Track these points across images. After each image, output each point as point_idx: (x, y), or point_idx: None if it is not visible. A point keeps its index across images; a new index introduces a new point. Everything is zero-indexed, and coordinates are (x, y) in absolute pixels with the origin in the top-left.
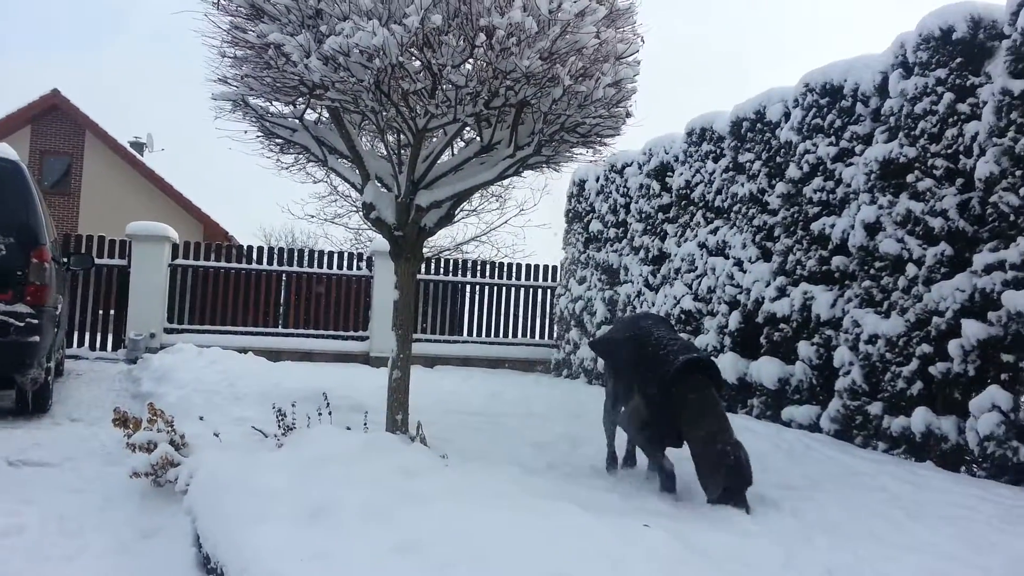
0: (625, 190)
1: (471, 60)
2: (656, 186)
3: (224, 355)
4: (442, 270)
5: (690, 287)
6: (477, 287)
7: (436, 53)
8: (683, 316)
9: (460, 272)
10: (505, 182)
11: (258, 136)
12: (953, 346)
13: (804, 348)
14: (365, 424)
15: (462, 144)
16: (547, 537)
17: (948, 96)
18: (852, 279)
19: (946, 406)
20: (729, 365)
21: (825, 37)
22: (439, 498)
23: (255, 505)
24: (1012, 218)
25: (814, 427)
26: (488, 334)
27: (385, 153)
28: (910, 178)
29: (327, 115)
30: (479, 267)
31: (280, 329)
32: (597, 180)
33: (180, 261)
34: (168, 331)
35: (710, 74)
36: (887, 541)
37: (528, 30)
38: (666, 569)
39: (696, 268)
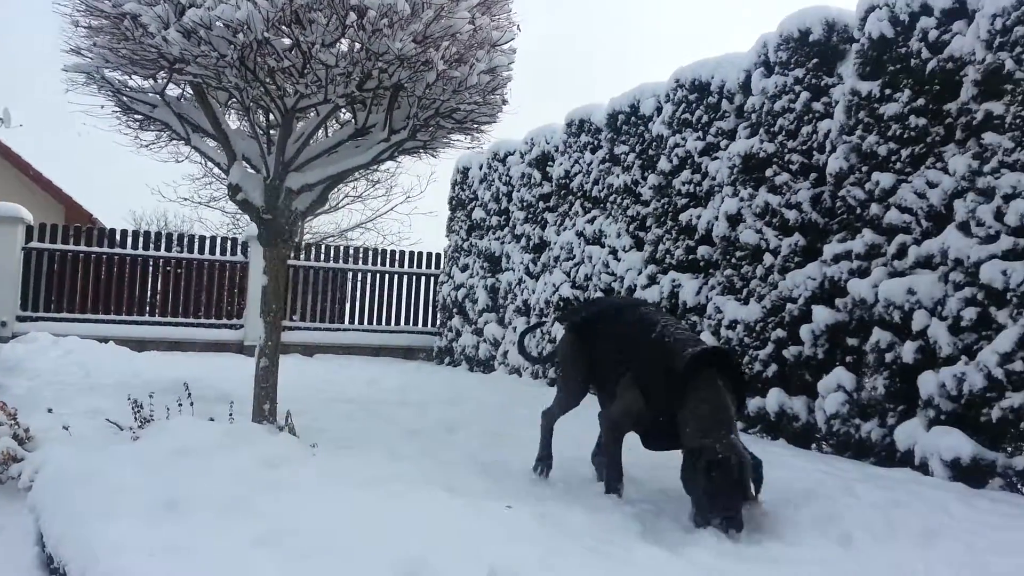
0: (507, 178)
1: (343, 40)
2: (537, 175)
3: (82, 345)
4: (323, 257)
5: (568, 275)
6: (360, 274)
7: (306, 31)
8: (562, 303)
9: (342, 259)
10: (392, 168)
11: (115, 111)
12: (805, 331)
13: None
14: (231, 415)
15: (337, 126)
16: (413, 523)
17: (805, 95)
18: (716, 268)
19: (798, 387)
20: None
21: (705, 31)
22: (304, 488)
23: (105, 500)
24: (858, 211)
25: None
26: (370, 322)
27: (253, 133)
28: (769, 172)
29: (191, 91)
30: (362, 254)
31: (147, 317)
32: (480, 168)
33: (36, 244)
34: (21, 319)
35: (593, 65)
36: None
37: (401, 12)
38: (538, 550)
39: (574, 256)
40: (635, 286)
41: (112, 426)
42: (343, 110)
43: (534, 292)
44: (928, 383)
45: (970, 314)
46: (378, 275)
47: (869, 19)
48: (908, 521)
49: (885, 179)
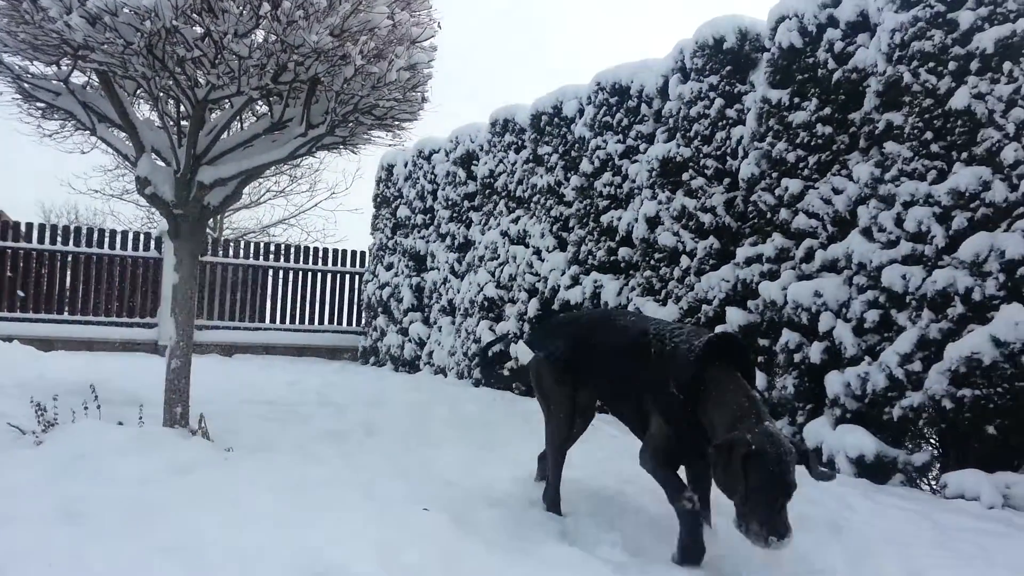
0: (432, 177)
1: (257, 31)
2: (462, 174)
3: None
4: (243, 253)
5: (493, 274)
6: (281, 272)
7: (218, 20)
8: (486, 303)
9: (263, 256)
10: (316, 164)
11: (15, 98)
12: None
13: None
14: (140, 418)
15: (253, 119)
16: (325, 529)
17: (719, 101)
18: (636, 269)
19: None
20: (527, 351)
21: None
22: (215, 494)
23: (2, 506)
24: (769, 216)
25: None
26: (293, 321)
27: (163, 124)
28: (685, 176)
29: (97, 79)
30: (284, 251)
31: (55, 315)
32: (406, 165)
33: None
34: None
35: (519, 64)
36: (651, 508)
37: (317, 4)
38: (438, 549)
39: (499, 256)
40: (559, 286)
41: (14, 430)
42: (259, 103)
43: (459, 291)
44: (834, 383)
45: (873, 316)
46: (301, 273)
47: (779, 29)
48: (814, 515)
49: (794, 185)
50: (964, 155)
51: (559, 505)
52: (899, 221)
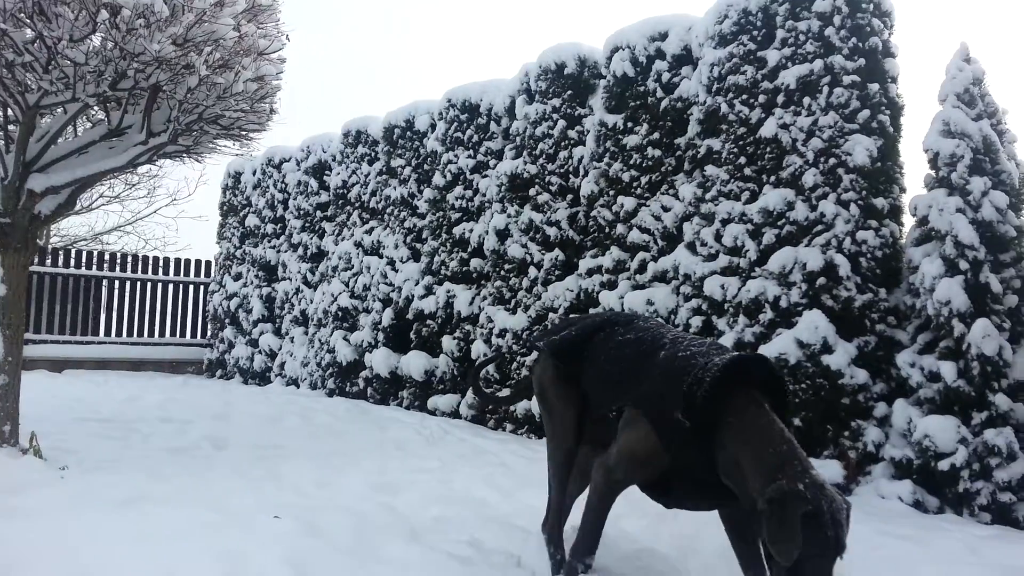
0: (283, 185)
1: (95, 37)
2: (314, 184)
3: None
4: (74, 262)
5: (347, 284)
6: (117, 282)
7: (51, 24)
8: (340, 313)
9: (97, 265)
10: (156, 170)
11: None
12: None
13: (447, 342)
14: None
15: (88, 125)
16: (167, 543)
17: (561, 123)
18: (487, 279)
19: None
20: (382, 360)
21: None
22: (50, 514)
23: None
24: (607, 230)
25: (454, 414)
26: (131, 334)
27: None
28: (532, 191)
29: None
30: (120, 260)
31: None
32: (254, 173)
33: None
34: None
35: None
36: (497, 508)
37: (159, 13)
38: (286, 554)
39: (353, 266)
40: (413, 296)
41: None
42: (95, 108)
43: (312, 302)
44: None
45: (697, 322)
46: (140, 283)
47: (614, 58)
48: (644, 503)
49: (628, 202)
50: (772, 178)
51: (559, 537)
52: (718, 236)
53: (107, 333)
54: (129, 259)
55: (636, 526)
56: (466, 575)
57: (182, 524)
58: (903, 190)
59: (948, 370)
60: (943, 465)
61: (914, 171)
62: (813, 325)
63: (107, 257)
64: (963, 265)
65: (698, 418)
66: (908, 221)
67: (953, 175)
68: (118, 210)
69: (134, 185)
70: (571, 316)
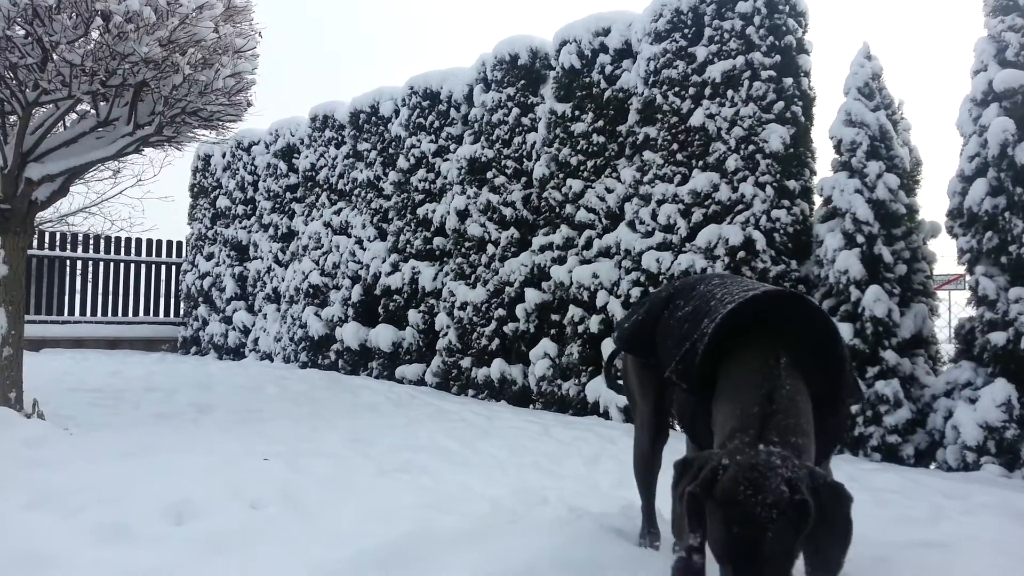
0: (253, 168)
1: (88, 39)
2: (283, 166)
3: None
4: (47, 244)
5: (317, 263)
6: (90, 263)
7: (48, 28)
8: (311, 290)
9: (70, 246)
10: None
11: None
12: (519, 310)
13: (413, 315)
14: None
15: (76, 117)
16: (175, 477)
17: (516, 110)
18: (449, 256)
19: (515, 357)
20: (352, 333)
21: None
22: (70, 461)
23: None
24: (557, 210)
25: (420, 381)
26: (104, 313)
27: None
28: (489, 175)
29: None
30: (92, 241)
31: None
32: (224, 156)
33: None
34: None
35: (339, 66)
36: (458, 453)
37: (147, 18)
38: (277, 486)
39: (323, 245)
40: (380, 273)
41: None
42: (88, 105)
43: (284, 280)
44: (608, 348)
45: (636, 292)
46: (114, 264)
47: (562, 51)
48: (583, 449)
49: (576, 185)
50: (700, 163)
51: (652, 530)
52: (654, 215)
53: (82, 313)
54: (102, 240)
55: None
56: (427, 497)
57: (186, 466)
58: (813, 173)
59: (846, 331)
60: None
61: (824, 156)
62: None
63: (81, 238)
64: (860, 239)
65: (695, 382)
66: (818, 200)
67: (853, 160)
68: (83, 191)
69: (100, 166)
70: (647, 296)
